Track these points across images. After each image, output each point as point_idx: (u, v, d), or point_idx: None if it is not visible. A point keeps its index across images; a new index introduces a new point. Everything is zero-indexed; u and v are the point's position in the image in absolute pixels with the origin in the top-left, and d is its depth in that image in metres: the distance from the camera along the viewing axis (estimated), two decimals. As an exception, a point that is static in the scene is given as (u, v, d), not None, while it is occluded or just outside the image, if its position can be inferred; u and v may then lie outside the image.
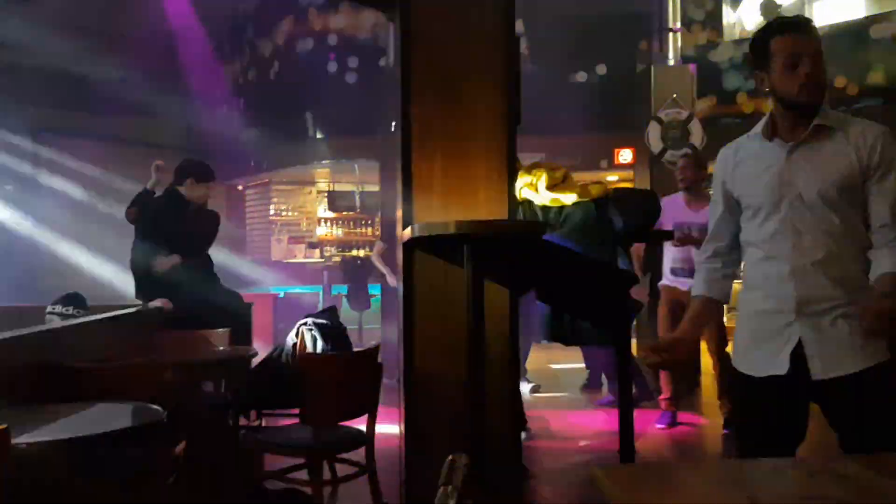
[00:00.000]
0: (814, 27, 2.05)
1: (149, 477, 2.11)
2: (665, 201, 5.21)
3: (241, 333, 4.30)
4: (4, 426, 1.47)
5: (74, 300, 3.79)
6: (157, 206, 4.50)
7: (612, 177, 10.68)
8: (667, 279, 5.08)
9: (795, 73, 1.98)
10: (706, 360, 5.24)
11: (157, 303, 4.12)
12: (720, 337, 4.78)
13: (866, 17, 9.47)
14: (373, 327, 8.69)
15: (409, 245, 2.86)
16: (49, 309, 3.75)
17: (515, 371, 2.89)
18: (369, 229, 12.66)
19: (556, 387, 6.68)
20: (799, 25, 2.03)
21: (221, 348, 3.75)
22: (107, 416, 2.02)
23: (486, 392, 2.72)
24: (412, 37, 2.95)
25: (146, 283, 4.30)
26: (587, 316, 3.13)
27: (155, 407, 2.03)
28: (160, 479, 2.16)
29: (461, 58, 2.93)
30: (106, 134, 9.96)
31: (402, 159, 3.00)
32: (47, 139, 9.95)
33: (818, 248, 1.98)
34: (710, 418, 5.25)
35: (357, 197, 12.79)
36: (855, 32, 8.86)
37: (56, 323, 3.49)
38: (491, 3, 2.95)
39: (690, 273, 4.97)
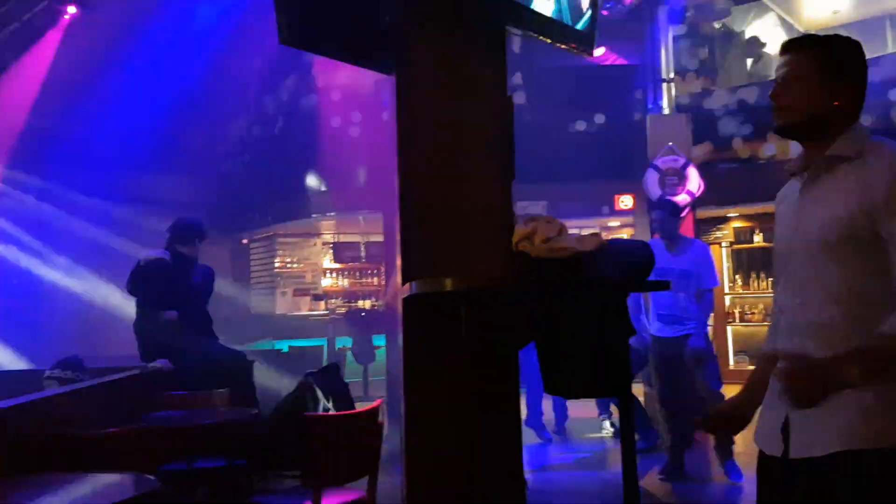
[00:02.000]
0: (804, 45, 1.78)
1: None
2: None
3: (244, 392, 4.29)
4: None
5: (72, 364, 3.80)
6: (156, 268, 4.53)
7: (613, 222, 10.73)
8: (654, 329, 5.07)
9: None
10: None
11: (156, 364, 4.13)
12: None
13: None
14: (379, 379, 8.64)
15: (409, 300, 2.89)
16: (47, 374, 3.75)
17: (517, 427, 2.88)
18: (375, 279, 12.68)
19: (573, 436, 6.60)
20: (785, 46, 1.81)
21: (222, 409, 3.74)
22: (102, 489, 2.02)
23: (488, 452, 2.72)
24: (408, 94, 3.02)
25: (149, 345, 4.31)
26: (587, 367, 3.12)
27: (150, 477, 2.02)
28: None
29: (456, 113, 2.99)
30: (109, 191, 10.06)
31: (400, 213, 3.05)
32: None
33: (814, 307, 1.65)
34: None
35: (362, 248, 12.86)
36: None
37: (54, 388, 3.49)
38: (485, 59, 3.02)
39: (675, 321, 4.96)
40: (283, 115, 11.18)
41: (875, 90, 8.62)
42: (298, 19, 2.69)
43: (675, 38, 8.98)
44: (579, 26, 3.22)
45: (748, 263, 10.85)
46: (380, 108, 9.91)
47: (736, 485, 4.77)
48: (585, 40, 3.25)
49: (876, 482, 1.52)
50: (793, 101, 1.74)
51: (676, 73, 8.81)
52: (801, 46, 1.78)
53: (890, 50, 10.32)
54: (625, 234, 10.45)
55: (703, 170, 8.08)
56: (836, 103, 1.71)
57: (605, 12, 8.65)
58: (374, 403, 3.18)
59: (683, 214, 7.53)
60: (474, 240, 2.94)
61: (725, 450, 4.88)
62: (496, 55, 3.05)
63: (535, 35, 3.05)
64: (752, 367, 8.20)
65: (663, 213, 5.15)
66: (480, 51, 2.98)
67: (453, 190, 2.94)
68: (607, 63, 9.62)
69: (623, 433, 3.09)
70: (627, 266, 3.26)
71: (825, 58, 1.74)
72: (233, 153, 11.71)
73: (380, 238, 10.78)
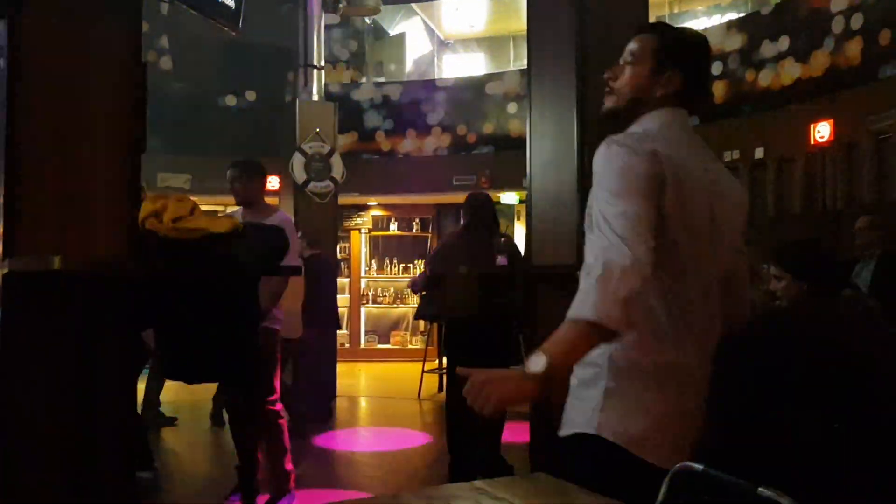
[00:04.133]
0: (643, 32, 1.82)
1: None
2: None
3: None
4: None
5: None
6: None
7: (259, 203, 10.65)
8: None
9: None
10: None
11: None
12: None
13: (484, 75, 10.79)
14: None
15: (10, 276, 2.55)
16: None
17: (130, 412, 2.70)
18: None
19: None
20: (634, 32, 1.85)
21: None
22: None
23: (97, 437, 2.52)
24: (18, 43, 2.65)
25: None
26: (213, 352, 3.06)
27: None
28: None
29: (76, 72, 2.69)
30: None
31: (5, 177, 2.67)
32: None
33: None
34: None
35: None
36: (475, 87, 10.03)
37: None
38: (114, 16, 2.76)
39: None
40: None
41: (496, 101, 9.78)
42: None
43: (328, 27, 9.18)
44: (227, 0, 3.12)
45: (384, 249, 11.57)
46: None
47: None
48: (231, 16, 3.16)
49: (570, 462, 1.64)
50: (620, 85, 1.78)
51: (327, 61, 9.01)
52: (640, 33, 1.81)
53: (512, 67, 11.75)
54: (269, 215, 10.43)
55: (347, 158, 8.41)
56: (655, 91, 1.75)
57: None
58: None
59: (321, 193, 7.69)
60: (93, 214, 2.68)
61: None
62: (128, 14, 2.81)
63: (175, 1, 2.87)
64: (380, 346, 8.73)
65: (236, 171, 4.12)
66: (109, 6, 2.72)
67: (70, 157, 2.65)
68: (261, 40, 9.48)
69: (239, 419, 3.09)
70: (260, 250, 3.27)
71: (656, 46, 1.76)
72: None
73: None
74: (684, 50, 1.77)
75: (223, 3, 2.96)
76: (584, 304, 1.47)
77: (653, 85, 1.75)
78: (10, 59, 2.68)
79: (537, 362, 1.43)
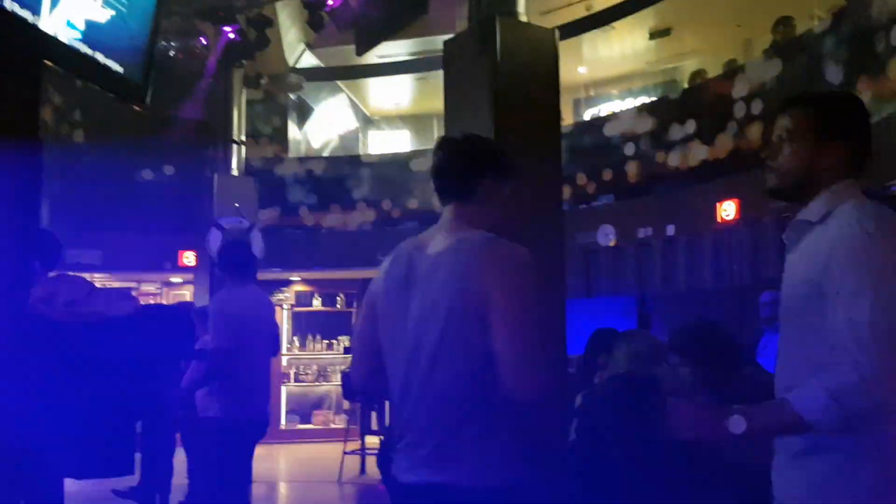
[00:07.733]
0: (798, 104, 1.70)
1: None
2: None
3: None
4: None
5: None
6: None
7: (175, 279, 10.34)
8: None
9: None
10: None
11: None
12: None
13: (410, 151, 10.93)
14: None
15: None
16: None
17: None
18: None
19: None
20: (782, 105, 1.73)
21: None
22: None
23: None
24: None
25: None
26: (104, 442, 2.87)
27: None
28: None
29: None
30: None
31: None
32: None
33: (781, 377, 1.68)
34: None
35: None
36: (400, 163, 10.12)
37: None
38: (13, 91, 2.66)
39: None
40: None
41: (422, 178, 9.85)
42: None
43: (250, 102, 9.17)
44: (130, 74, 3.05)
45: (306, 326, 11.33)
46: None
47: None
48: (135, 91, 3.09)
49: None
50: (782, 163, 1.66)
51: (249, 136, 8.97)
52: (794, 106, 1.70)
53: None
54: (187, 292, 10.11)
55: (269, 233, 8.29)
56: (822, 164, 1.63)
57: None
58: None
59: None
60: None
61: None
62: (27, 89, 2.71)
63: (76, 75, 2.80)
64: (302, 426, 8.29)
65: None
66: (8, 81, 2.62)
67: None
68: (180, 115, 9.37)
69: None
70: (161, 337, 3.12)
71: (816, 117, 1.65)
72: None
73: None
74: (844, 118, 1.68)
75: (125, 77, 2.90)
76: (811, 405, 1.46)
77: (813, 159, 1.64)
78: None
79: (738, 424, 1.50)
